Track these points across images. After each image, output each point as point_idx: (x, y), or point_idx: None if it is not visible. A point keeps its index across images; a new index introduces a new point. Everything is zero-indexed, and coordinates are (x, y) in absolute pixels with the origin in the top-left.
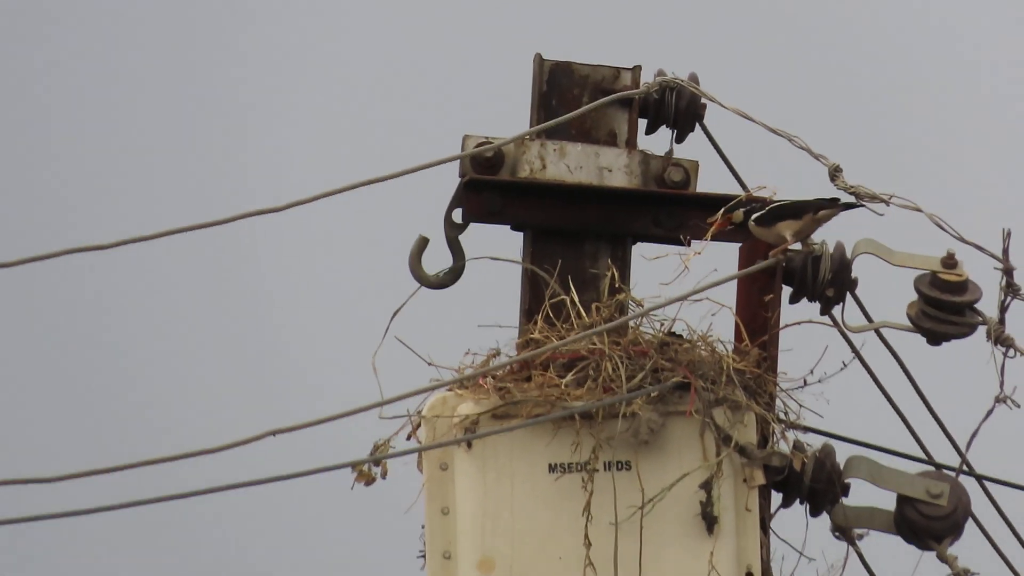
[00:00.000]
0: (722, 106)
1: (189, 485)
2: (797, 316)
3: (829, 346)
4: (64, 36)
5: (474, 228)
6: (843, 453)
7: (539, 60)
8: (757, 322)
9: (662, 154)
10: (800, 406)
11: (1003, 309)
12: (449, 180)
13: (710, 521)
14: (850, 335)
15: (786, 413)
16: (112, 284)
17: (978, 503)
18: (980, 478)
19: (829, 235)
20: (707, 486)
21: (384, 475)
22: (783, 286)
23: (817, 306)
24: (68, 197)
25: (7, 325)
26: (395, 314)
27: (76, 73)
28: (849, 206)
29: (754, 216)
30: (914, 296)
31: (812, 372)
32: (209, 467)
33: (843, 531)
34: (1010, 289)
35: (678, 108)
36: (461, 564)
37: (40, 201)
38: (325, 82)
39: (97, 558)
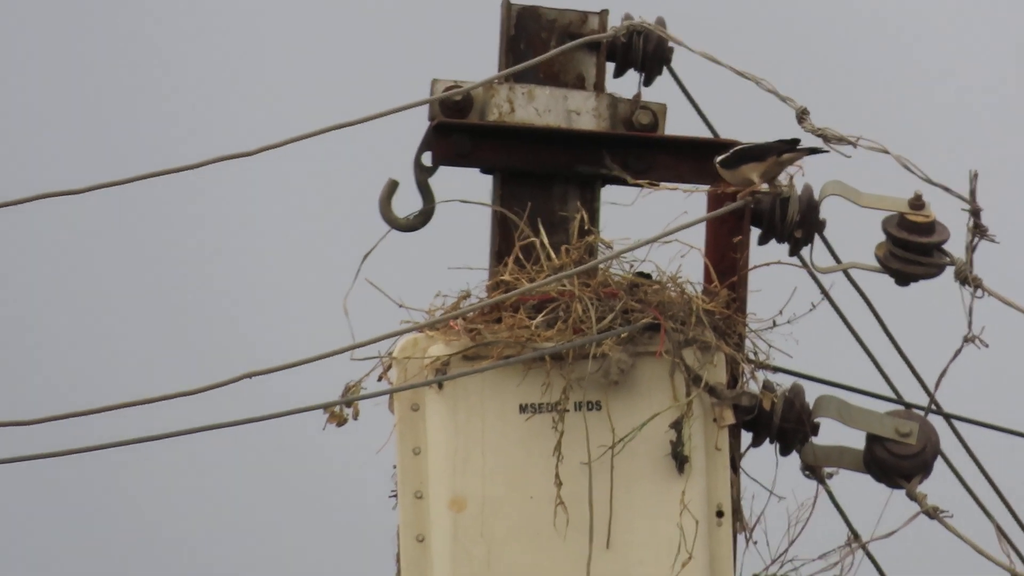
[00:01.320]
0: (689, 49)
1: (168, 427)
2: (766, 257)
3: (798, 287)
4: None
5: (444, 171)
6: (812, 393)
7: (507, 4)
8: (726, 263)
9: (630, 97)
10: (770, 347)
11: (971, 249)
12: (418, 124)
13: (680, 461)
14: (819, 276)
15: (755, 353)
16: (84, 228)
17: (947, 442)
18: (949, 417)
19: (797, 177)
20: (677, 426)
21: (356, 416)
22: (752, 228)
23: (786, 247)
24: (33, 143)
25: None
26: (365, 257)
27: (26, 22)
28: (813, 151)
29: (719, 159)
30: (882, 237)
31: (781, 313)
32: (186, 409)
33: (813, 470)
34: (977, 230)
35: (645, 51)
36: (433, 503)
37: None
38: (295, 28)
39: (70, 499)
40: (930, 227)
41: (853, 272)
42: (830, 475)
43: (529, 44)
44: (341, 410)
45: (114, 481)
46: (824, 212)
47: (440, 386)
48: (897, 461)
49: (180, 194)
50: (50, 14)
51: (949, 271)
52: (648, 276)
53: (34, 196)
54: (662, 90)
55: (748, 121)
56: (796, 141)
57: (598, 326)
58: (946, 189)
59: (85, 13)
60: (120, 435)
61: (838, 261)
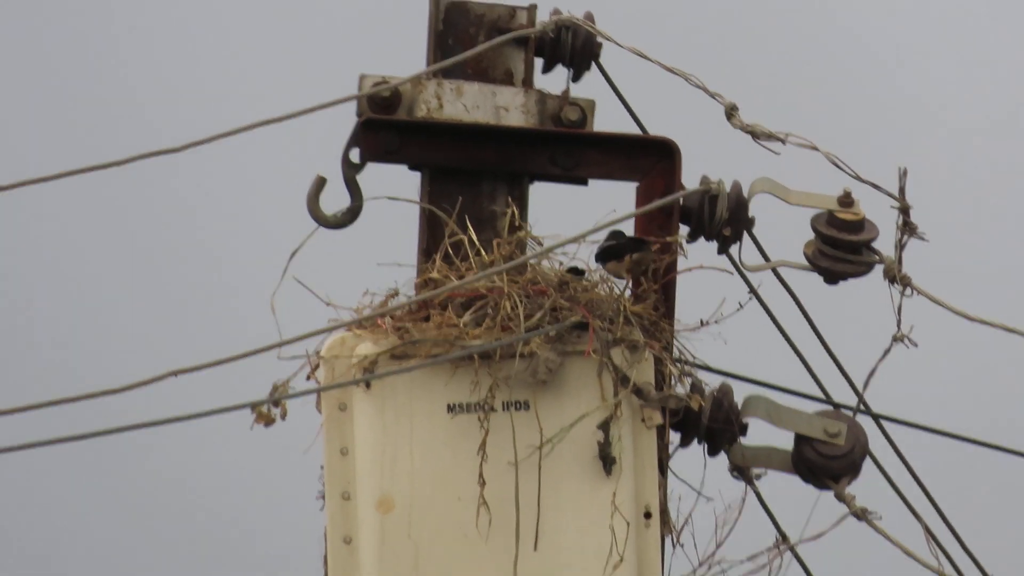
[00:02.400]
0: (618, 45)
1: (91, 426)
2: (694, 254)
3: (726, 286)
4: None
5: (372, 168)
6: (741, 393)
7: None
8: (655, 260)
9: (559, 93)
10: (694, 356)
11: (900, 248)
12: (346, 120)
13: (608, 462)
14: (747, 274)
15: (682, 356)
16: (5, 224)
17: (876, 442)
18: (877, 417)
19: (725, 174)
20: (605, 427)
21: (283, 416)
22: (680, 225)
23: (714, 245)
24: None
25: None
26: (293, 255)
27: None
28: (640, 244)
29: (595, 257)
30: (811, 235)
31: (710, 318)
32: (113, 408)
33: (741, 471)
34: (907, 228)
35: (574, 47)
36: (360, 504)
37: None
38: (220, 21)
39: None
40: (859, 225)
41: (782, 270)
42: (758, 476)
43: (458, 39)
44: (269, 409)
45: (33, 481)
46: (753, 209)
47: (368, 385)
48: (826, 462)
49: (110, 191)
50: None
51: (878, 269)
52: (580, 272)
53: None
54: (591, 86)
55: (677, 117)
56: (643, 242)
57: (526, 324)
58: (875, 186)
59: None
60: (44, 434)
61: (767, 259)
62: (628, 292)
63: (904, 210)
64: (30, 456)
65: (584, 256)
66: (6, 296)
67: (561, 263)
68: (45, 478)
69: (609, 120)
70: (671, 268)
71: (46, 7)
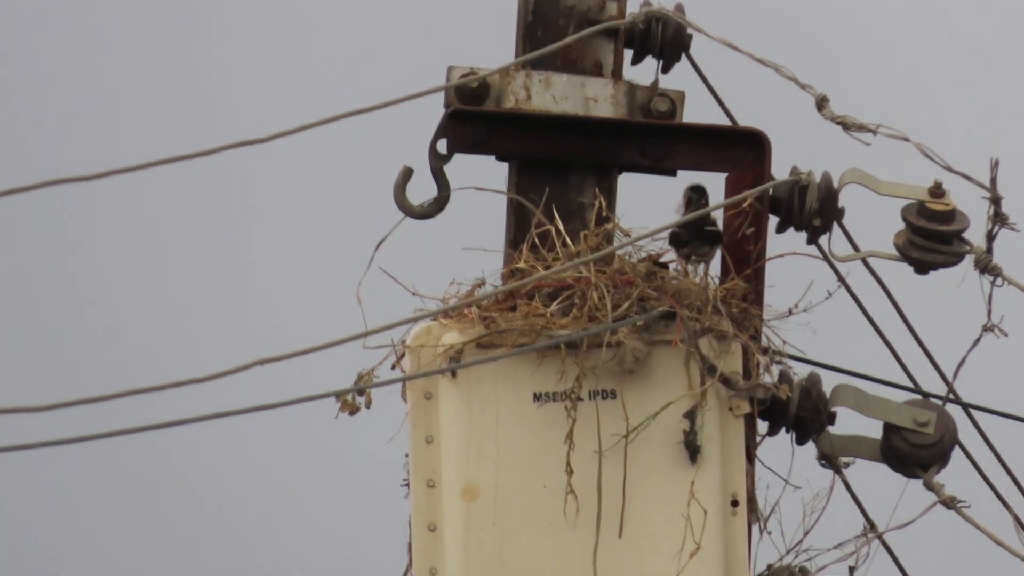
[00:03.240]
0: (708, 36)
1: (179, 414)
2: (784, 246)
3: (816, 276)
4: None
5: (459, 159)
6: (829, 382)
7: None
8: (743, 252)
9: (648, 85)
10: (784, 342)
11: (990, 238)
12: (434, 111)
13: (692, 450)
14: (837, 264)
15: (769, 345)
16: (96, 214)
17: (965, 432)
18: (967, 407)
19: (816, 165)
20: (691, 415)
21: (368, 405)
22: (770, 215)
23: (804, 236)
24: (44, 130)
25: None
26: (379, 245)
27: (54, 11)
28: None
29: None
30: (901, 226)
31: (797, 305)
32: (199, 396)
33: (829, 459)
34: (997, 218)
35: (664, 38)
36: (445, 492)
37: (14, 133)
38: (310, 13)
39: (85, 489)
40: (950, 215)
41: (871, 261)
42: (846, 465)
43: (547, 31)
44: (353, 398)
45: (128, 466)
46: (843, 200)
47: (454, 374)
48: (914, 451)
49: (195, 181)
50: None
51: (968, 260)
52: (665, 267)
53: (45, 182)
54: (681, 77)
55: (767, 108)
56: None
57: (614, 314)
58: (966, 177)
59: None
60: (134, 421)
61: (856, 249)
62: (717, 282)
63: (995, 200)
64: (115, 444)
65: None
66: (92, 284)
67: (650, 253)
68: (65, 477)
69: (699, 111)
70: (761, 255)
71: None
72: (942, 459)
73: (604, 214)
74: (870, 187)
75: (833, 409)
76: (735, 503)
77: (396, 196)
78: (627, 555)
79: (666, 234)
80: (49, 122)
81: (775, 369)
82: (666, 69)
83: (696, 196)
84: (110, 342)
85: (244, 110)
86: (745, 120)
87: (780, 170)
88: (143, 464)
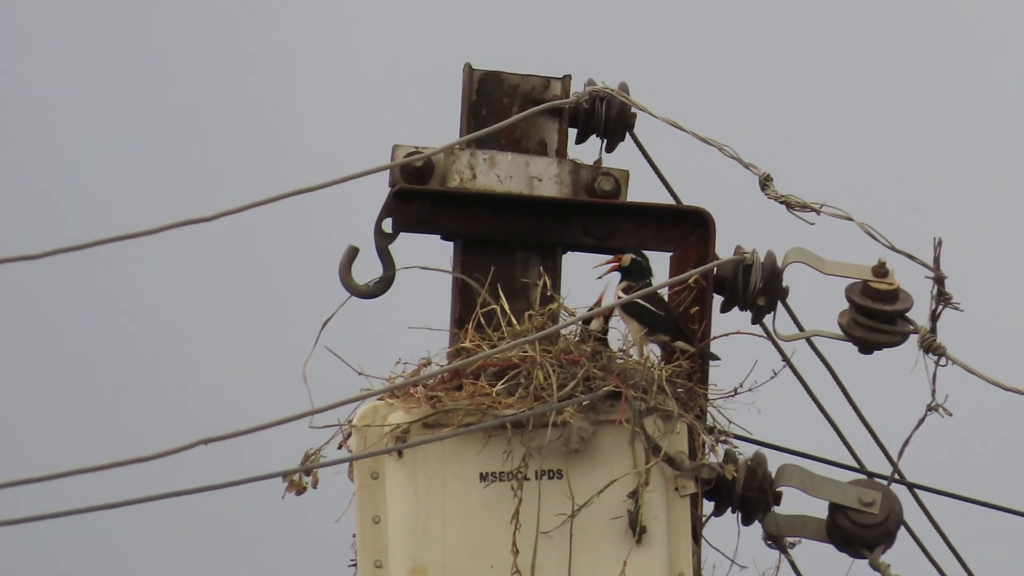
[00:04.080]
0: (652, 115)
1: (122, 494)
2: (728, 326)
3: (760, 356)
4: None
5: (404, 237)
6: (775, 462)
7: (469, 69)
8: (687, 330)
9: (592, 163)
10: (729, 422)
11: (934, 318)
12: (379, 190)
13: (635, 529)
14: (781, 344)
15: (715, 425)
16: (41, 293)
17: (910, 511)
18: (912, 486)
19: (760, 244)
20: (634, 495)
21: (315, 484)
22: (714, 295)
23: (748, 315)
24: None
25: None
26: (325, 324)
27: (64, 62)
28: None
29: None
30: (845, 305)
31: (742, 384)
32: (140, 476)
33: (775, 539)
34: (941, 298)
35: (608, 117)
36: (393, 572)
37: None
38: (258, 89)
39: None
40: (894, 295)
41: (816, 340)
42: (792, 544)
43: (491, 110)
44: (300, 478)
45: (61, 549)
46: (787, 279)
47: (400, 454)
48: (860, 530)
49: (139, 259)
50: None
51: (913, 339)
52: (602, 335)
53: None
54: (625, 156)
55: (711, 187)
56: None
57: (559, 393)
58: (910, 257)
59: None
60: (74, 503)
61: (801, 329)
62: (661, 362)
63: (939, 280)
64: (64, 520)
65: (616, 325)
66: (39, 363)
67: (586, 331)
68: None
69: (643, 190)
70: (706, 333)
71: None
72: (888, 539)
73: (549, 293)
74: (814, 266)
75: (779, 489)
76: None
77: (342, 275)
78: None
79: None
80: (72, 185)
81: (720, 449)
82: (610, 148)
83: (641, 260)
84: (56, 420)
85: (189, 188)
86: (689, 199)
87: (724, 249)
88: (86, 538)
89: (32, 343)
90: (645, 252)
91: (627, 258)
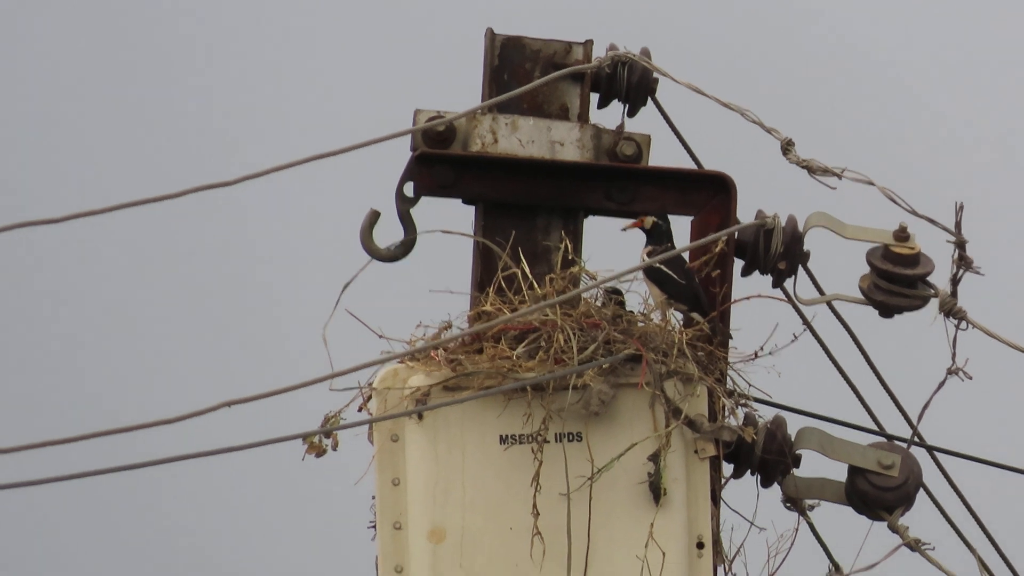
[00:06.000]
0: (674, 80)
1: (145, 456)
2: (749, 290)
3: (781, 320)
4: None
5: (426, 202)
6: (794, 425)
7: (491, 34)
8: (709, 296)
9: (614, 128)
10: (749, 385)
11: (955, 282)
12: (401, 154)
13: (656, 492)
14: (802, 308)
15: (735, 388)
16: (64, 257)
17: (929, 474)
18: (931, 449)
19: (781, 209)
20: (655, 458)
21: (335, 447)
22: (735, 259)
23: (769, 279)
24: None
25: None
26: (346, 287)
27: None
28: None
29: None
30: (866, 269)
31: (763, 348)
32: (165, 438)
33: (794, 502)
34: (962, 262)
35: (630, 82)
36: (412, 534)
37: None
38: (277, 55)
39: (48, 530)
40: (915, 259)
41: (836, 304)
42: (811, 507)
43: (513, 75)
44: (320, 440)
45: (91, 509)
46: (808, 244)
47: (420, 417)
48: (879, 493)
49: (159, 224)
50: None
51: (933, 303)
52: (619, 292)
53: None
54: (646, 121)
55: (733, 152)
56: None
57: (579, 357)
58: (931, 221)
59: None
60: (102, 463)
61: (821, 293)
62: (681, 325)
63: (960, 244)
64: (82, 486)
65: (638, 289)
66: (59, 326)
67: (606, 292)
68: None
69: (664, 155)
70: (727, 298)
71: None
72: (907, 501)
73: (570, 257)
74: (835, 231)
75: (798, 452)
76: (700, 545)
77: (363, 239)
78: None
79: (630, 278)
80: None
81: (740, 412)
82: (632, 113)
83: (662, 224)
84: (78, 384)
85: (211, 152)
86: (711, 164)
87: (746, 214)
88: (113, 503)
89: (50, 309)
90: (667, 216)
91: (649, 220)
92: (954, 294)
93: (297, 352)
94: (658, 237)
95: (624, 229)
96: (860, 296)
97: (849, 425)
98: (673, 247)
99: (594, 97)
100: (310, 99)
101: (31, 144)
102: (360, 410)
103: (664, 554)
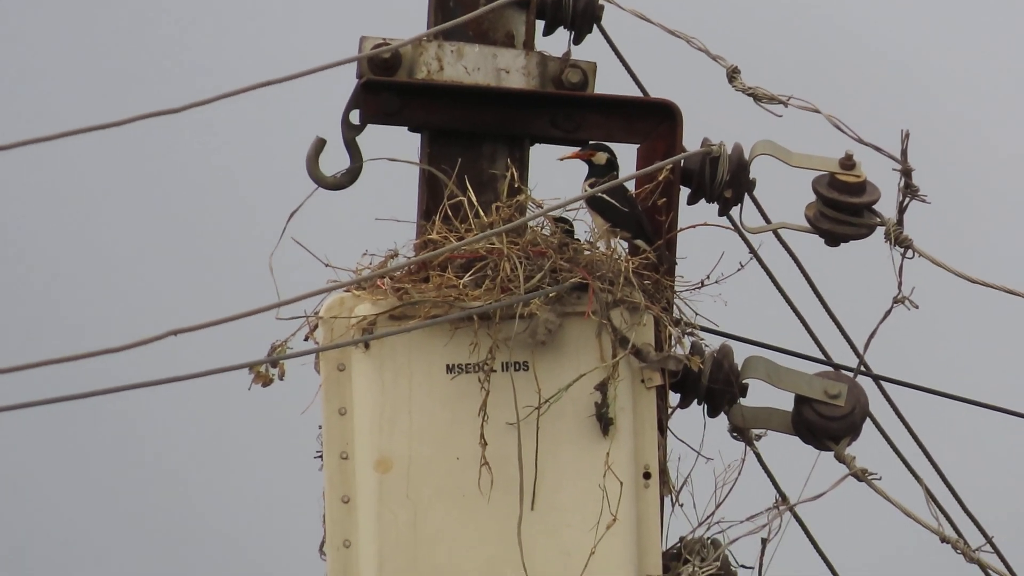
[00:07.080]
0: (620, 7)
1: (90, 385)
2: (695, 218)
3: (727, 248)
4: None
5: (372, 129)
6: (741, 354)
7: None
8: (654, 224)
9: (560, 56)
10: (696, 314)
11: (901, 210)
12: (346, 82)
13: (604, 422)
14: (748, 236)
15: (681, 317)
16: (12, 185)
17: (876, 404)
18: (878, 378)
19: (727, 137)
20: (602, 388)
21: (282, 376)
22: (681, 187)
23: (715, 207)
24: None
25: None
26: (292, 215)
27: None
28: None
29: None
30: (812, 197)
31: (709, 277)
32: (110, 367)
33: (741, 431)
34: (908, 190)
35: (576, 9)
36: (358, 464)
37: None
38: None
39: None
40: (860, 187)
41: (783, 232)
42: (758, 437)
43: (459, 2)
44: (267, 369)
45: (30, 440)
46: (754, 172)
47: (367, 346)
48: (826, 423)
49: (105, 152)
50: None
51: (879, 231)
52: (567, 221)
53: None
54: (592, 48)
55: (679, 80)
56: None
57: (526, 286)
58: (877, 149)
59: None
60: (48, 392)
61: (768, 221)
62: (628, 253)
63: (906, 172)
64: (28, 415)
65: (584, 217)
66: (6, 250)
67: (553, 221)
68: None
69: (610, 83)
70: (673, 226)
71: None
72: (853, 431)
73: (516, 185)
74: (781, 159)
75: (745, 381)
76: (647, 475)
77: (309, 167)
78: (541, 528)
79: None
80: None
81: (687, 341)
82: (578, 40)
83: (615, 160)
84: (23, 310)
85: (156, 81)
86: (657, 92)
87: (691, 142)
88: (64, 432)
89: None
90: (612, 145)
91: (602, 156)
92: (900, 222)
93: (244, 280)
94: (604, 169)
95: (561, 159)
96: (806, 224)
97: (796, 354)
98: (617, 175)
99: (540, 24)
100: (256, 26)
101: None
102: (307, 339)
103: (621, 483)
